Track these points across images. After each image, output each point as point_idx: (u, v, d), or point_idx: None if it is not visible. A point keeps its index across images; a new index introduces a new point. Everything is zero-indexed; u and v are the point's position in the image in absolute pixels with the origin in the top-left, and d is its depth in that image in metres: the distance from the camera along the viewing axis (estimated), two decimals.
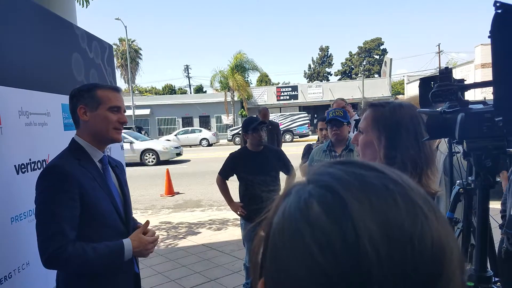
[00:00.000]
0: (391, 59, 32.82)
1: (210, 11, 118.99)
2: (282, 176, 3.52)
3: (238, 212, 3.45)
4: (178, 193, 9.08)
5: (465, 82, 1.11)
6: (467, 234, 1.63)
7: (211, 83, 30.45)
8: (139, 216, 6.77)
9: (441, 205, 2.43)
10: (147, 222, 1.74)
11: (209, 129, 30.62)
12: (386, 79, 32.39)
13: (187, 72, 51.54)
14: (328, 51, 58.89)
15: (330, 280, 0.32)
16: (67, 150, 1.60)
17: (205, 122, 33.65)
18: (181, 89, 51.98)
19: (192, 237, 5.54)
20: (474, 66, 23.00)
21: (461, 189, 1.60)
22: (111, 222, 1.59)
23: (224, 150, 20.05)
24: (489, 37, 0.64)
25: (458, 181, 1.61)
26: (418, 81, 1.33)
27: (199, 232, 5.75)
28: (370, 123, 1.39)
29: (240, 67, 28.54)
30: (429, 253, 0.32)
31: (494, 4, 0.62)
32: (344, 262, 0.32)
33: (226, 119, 32.50)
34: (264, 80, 44.59)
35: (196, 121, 33.84)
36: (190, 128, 28.48)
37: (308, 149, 3.88)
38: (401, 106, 1.38)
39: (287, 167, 3.52)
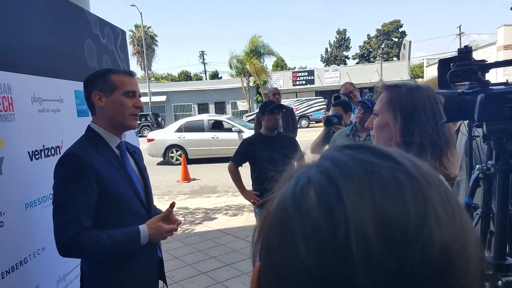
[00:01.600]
0: (410, 42, 31.93)
1: None
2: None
3: (252, 200, 3.40)
4: (194, 179, 9.18)
5: None
6: (486, 221, 1.57)
7: (230, 65, 30.09)
8: (155, 202, 6.84)
9: (461, 190, 2.36)
10: (169, 211, 1.66)
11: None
12: (405, 62, 31.58)
13: (202, 58, 51.48)
14: (345, 34, 57.74)
15: (313, 281, 0.28)
16: (83, 137, 1.60)
17: (220, 108, 33.71)
18: (197, 75, 52.05)
19: (208, 222, 5.60)
20: (497, 47, 22.17)
21: (480, 174, 1.54)
22: (133, 208, 1.58)
23: None
24: (511, 9, 0.59)
25: (477, 166, 1.55)
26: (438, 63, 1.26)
27: (215, 218, 5.81)
28: (386, 104, 1.34)
29: (256, 51, 28.25)
30: (433, 263, 0.27)
31: None
32: (329, 263, 0.28)
33: (242, 105, 32.44)
34: (280, 65, 44.14)
35: (211, 107, 33.93)
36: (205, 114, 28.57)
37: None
38: (418, 87, 1.33)
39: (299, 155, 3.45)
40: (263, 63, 29.23)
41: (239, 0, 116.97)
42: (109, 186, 1.50)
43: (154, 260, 1.74)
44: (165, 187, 8.50)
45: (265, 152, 3.29)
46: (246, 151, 3.45)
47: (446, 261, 0.28)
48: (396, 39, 54.29)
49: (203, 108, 33.82)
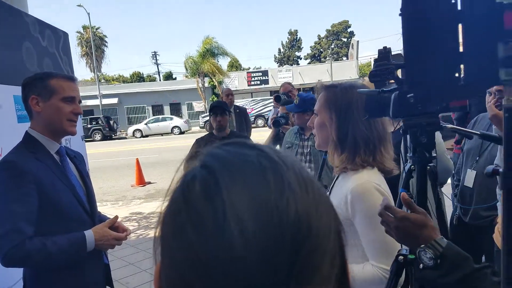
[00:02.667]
0: (358, 42, 33.24)
1: None
2: None
3: None
4: (149, 182, 8.97)
5: None
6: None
7: (185, 67, 29.63)
8: (109, 208, 6.67)
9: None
10: (116, 217, 1.68)
11: (181, 117, 30.23)
12: (354, 61, 32.84)
13: (155, 59, 50.26)
14: (297, 35, 58.89)
15: (204, 264, 0.32)
16: (21, 144, 1.55)
17: (176, 110, 33.17)
18: (150, 76, 50.70)
19: None
20: None
21: (412, 166, 1.67)
22: (75, 215, 1.55)
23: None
24: (400, 15, 0.66)
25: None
26: None
27: None
28: (323, 104, 1.43)
29: (210, 52, 28.11)
30: (291, 225, 0.33)
31: None
32: (211, 238, 0.32)
33: (198, 106, 32.14)
34: (234, 65, 44.13)
35: (166, 109, 33.28)
36: (160, 116, 28.03)
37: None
38: (352, 87, 1.42)
39: None
40: (218, 63, 29.17)
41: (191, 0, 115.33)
42: (50, 193, 1.47)
43: (101, 267, 1.71)
44: (119, 192, 8.24)
45: None
46: (197, 151, 3.46)
47: (301, 224, 0.34)
48: (345, 39, 56.18)
49: (157, 110, 33.08)
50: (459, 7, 0.60)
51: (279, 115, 3.67)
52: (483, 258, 2.42)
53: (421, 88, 0.72)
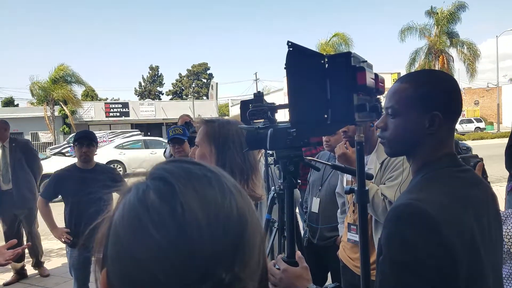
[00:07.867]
0: (217, 84, 35.20)
1: (27, 16, 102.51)
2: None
3: (63, 239, 3.12)
4: None
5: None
6: (282, 230, 1.95)
7: (31, 92, 26.18)
8: None
9: (263, 208, 2.79)
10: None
11: None
12: (214, 101, 34.47)
13: None
14: (158, 71, 58.84)
15: (164, 252, 0.40)
16: None
17: None
18: None
19: (5, 274, 4.66)
20: (283, 93, 27.63)
21: (275, 194, 1.91)
22: None
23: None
24: (284, 68, 0.85)
25: (272, 187, 1.93)
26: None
27: None
28: (203, 137, 1.56)
29: (63, 79, 25.73)
30: (235, 218, 0.44)
31: (287, 43, 0.84)
32: (173, 233, 0.40)
33: (45, 137, 28.50)
34: (90, 95, 41.00)
35: None
36: None
37: None
38: (228, 122, 1.60)
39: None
40: (70, 91, 26.84)
41: (42, 23, 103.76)
42: None
43: None
44: None
45: (79, 185, 3.08)
46: (57, 185, 3.18)
47: (242, 217, 0.45)
48: (205, 80, 58.54)
49: None
50: (326, 66, 0.82)
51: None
52: (329, 274, 2.83)
53: (301, 126, 0.91)
